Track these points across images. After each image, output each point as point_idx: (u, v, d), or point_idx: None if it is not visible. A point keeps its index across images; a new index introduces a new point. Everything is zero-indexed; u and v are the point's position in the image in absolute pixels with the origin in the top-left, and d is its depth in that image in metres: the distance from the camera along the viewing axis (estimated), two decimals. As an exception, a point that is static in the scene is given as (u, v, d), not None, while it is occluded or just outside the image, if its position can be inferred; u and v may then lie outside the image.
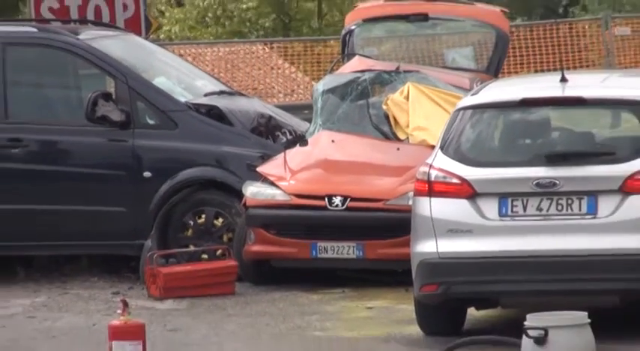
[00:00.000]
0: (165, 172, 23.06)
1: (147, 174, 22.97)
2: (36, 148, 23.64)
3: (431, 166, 18.08)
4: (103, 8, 27.43)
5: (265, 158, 22.61)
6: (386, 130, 22.83)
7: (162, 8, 57.60)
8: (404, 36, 25.98)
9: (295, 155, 22.53)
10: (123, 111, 23.00)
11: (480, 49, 25.57)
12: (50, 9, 27.13)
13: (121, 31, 26.56)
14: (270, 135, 23.55)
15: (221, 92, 25.28)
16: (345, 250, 21.25)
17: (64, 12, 26.96)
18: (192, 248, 22.39)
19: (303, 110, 24.69)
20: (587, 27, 42.45)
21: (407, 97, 22.79)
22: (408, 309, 18.40)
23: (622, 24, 39.88)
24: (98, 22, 26.80)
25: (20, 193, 23.34)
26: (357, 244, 21.17)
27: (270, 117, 24.37)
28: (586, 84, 19.64)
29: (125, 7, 27.65)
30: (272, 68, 38.11)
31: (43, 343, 18.59)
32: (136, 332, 14.55)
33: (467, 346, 16.13)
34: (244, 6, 63.93)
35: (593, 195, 17.55)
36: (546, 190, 17.61)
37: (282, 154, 22.51)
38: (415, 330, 18.09)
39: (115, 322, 14.65)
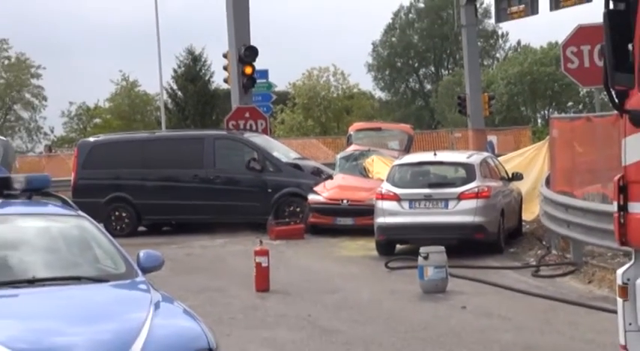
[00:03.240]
0: (277, 189, 22.29)
1: (269, 190, 22.31)
2: (225, 179, 22.82)
3: (382, 187, 18.07)
4: (253, 124, 26.94)
5: (316, 184, 22.46)
6: (364, 173, 22.46)
7: (276, 125, 57.09)
8: (372, 136, 25.90)
9: (328, 183, 22.10)
10: (260, 165, 22.95)
11: (401, 142, 25.23)
12: (232, 124, 26.83)
13: (260, 133, 25.85)
14: (318, 175, 23.22)
15: (299, 158, 24.76)
16: (348, 221, 20.83)
17: (237, 127, 26.82)
18: (287, 220, 21.61)
19: (331, 166, 24.65)
20: (443, 133, 42.04)
21: (373, 161, 22.88)
22: (373, 245, 18.08)
23: (457, 132, 39.19)
24: (250, 130, 26.55)
25: (218, 197, 22.38)
26: (352, 219, 20.77)
27: (318, 168, 23.90)
28: (444, 156, 19.60)
29: (262, 123, 27.52)
30: (318, 148, 37.80)
31: (231, 257, 18.37)
32: (265, 253, 14.41)
33: (396, 260, 16.71)
34: (308, 124, 63.51)
35: (446, 200, 17.43)
36: (428, 198, 17.54)
37: (323, 182, 22.19)
38: (376, 253, 17.82)
39: (256, 248, 14.50)
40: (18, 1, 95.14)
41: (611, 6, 6.56)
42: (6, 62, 69.97)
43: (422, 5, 78.78)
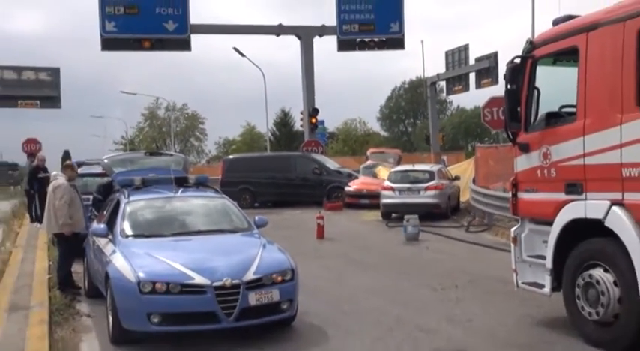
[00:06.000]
0: (328, 184, 21.02)
1: (324, 185, 21.20)
2: (301, 179, 21.74)
3: (385, 183, 17.59)
4: (316, 150, 25.82)
5: (349, 181, 21.30)
6: (375, 176, 21.73)
7: (328, 150, 56.04)
8: (379, 156, 25.38)
9: (356, 181, 20.85)
10: (319, 171, 22.36)
11: (395, 159, 24.45)
12: (305, 149, 25.28)
13: (320, 154, 24.94)
14: (350, 177, 21.73)
15: (341, 168, 23.06)
16: (366, 202, 19.54)
17: (307, 150, 26.33)
18: (334, 200, 20.24)
19: (357, 172, 24.15)
20: (418, 155, 41.03)
21: (380, 169, 22.37)
22: (380, 214, 17.47)
23: (425, 154, 38.35)
24: (315, 152, 25.83)
25: (297, 188, 21.53)
26: (369, 200, 19.47)
27: (351, 173, 22.68)
28: (418, 167, 18.77)
29: (320, 148, 27.21)
30: (351, 163, 36.02)
31: (304, 220, 17.22)
32: (322, 217, 14.28)
33: (392, 222, 16.20)
34: (345, 149, 62.92)
35: (419, 190, 16.94)
36: (409, 189, 17.03)
37: (353, 181, 21.02)
38: (381, 219, 17.20)
39: (317, 215, 14.42)
40: (190, 78, 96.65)
41: (509, 87, 6.58)
42: (186, 115, 71.77)
43: (407, 85, 78.48)
